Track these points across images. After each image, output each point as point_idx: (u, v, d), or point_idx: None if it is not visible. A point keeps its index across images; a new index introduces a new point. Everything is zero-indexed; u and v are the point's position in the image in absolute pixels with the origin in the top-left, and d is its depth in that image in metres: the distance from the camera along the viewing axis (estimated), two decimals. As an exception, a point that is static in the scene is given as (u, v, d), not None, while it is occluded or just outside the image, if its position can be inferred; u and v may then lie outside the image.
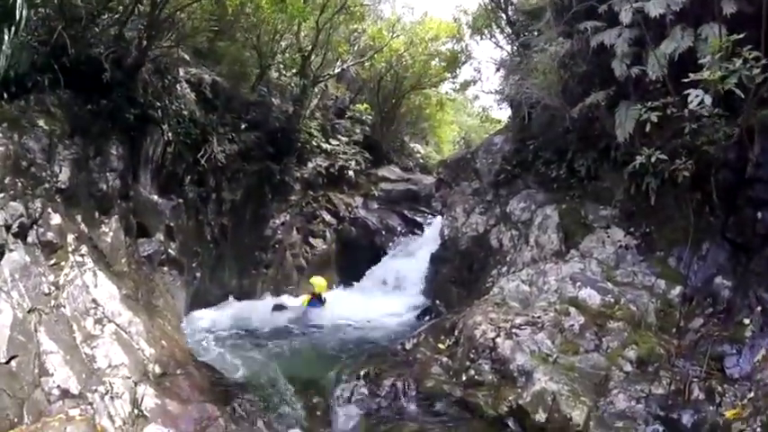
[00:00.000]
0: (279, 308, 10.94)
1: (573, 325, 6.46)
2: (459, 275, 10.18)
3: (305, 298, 10.93)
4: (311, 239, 12.96)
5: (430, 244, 12.07)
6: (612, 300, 6.79)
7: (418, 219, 14.21)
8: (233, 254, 11.70)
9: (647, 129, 6.72)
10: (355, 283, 12.64)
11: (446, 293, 10.27)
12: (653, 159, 6.69)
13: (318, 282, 10.99)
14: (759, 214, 6.46)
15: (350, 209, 13.68)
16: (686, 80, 5.98)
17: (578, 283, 7.07)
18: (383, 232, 13.70)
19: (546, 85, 8.49)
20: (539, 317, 6.57)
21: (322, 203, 13.40)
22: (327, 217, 13.33)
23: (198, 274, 10.38)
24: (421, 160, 18.80)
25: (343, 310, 10.81)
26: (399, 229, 13.92)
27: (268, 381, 6.98)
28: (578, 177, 9.04)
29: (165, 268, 9.21)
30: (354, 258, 13.00)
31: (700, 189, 6.97)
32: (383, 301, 11.50)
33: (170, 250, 9.37)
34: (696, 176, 6.68)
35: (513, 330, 6.42)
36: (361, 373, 6.83)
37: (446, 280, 10.46)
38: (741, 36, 5.65)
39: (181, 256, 9.66)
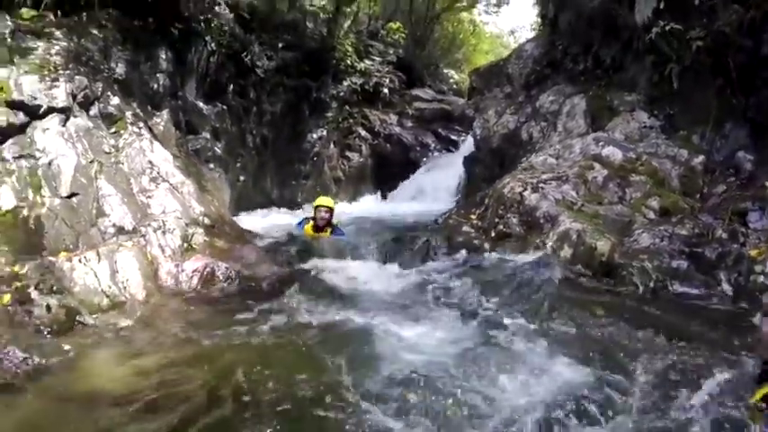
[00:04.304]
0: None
1: (596, 177, 6.75)
2: (491, 173, 10.44)
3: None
4: (348, 153, 13.40)
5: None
6: (635, 156, 7.02)
7: (452, 137, 14.44)
8: (274, 164, 12.27)
9: (661, 6, 6.90)
10: (390, 194, 13.07)
11: (477, 192, 10.57)
12: (668, 28, 6.91)
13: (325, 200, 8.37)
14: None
15: (385, 125, 13.99)
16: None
17: (601, 143, 7.35)
18: (417, 148, 13.99)
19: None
20: (563, 172, 6.90)
21: (358, 119, 13.75)
22: (363, 132, 13.69)
23: (242, 177, 10.98)
24: (455, 86, 18.89)
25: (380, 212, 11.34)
26: (433, 145, 14.20)
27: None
28: (604, 68, 9.24)
29: (212, 165, 9.79)
30: (390, 172, 13.37)
31: (720, 74, 7.12)
32: (417, 207, 11.94)
33: (216, 148, 9.97)
34: (715, 61, 6.86)
35: (540, 185, 6.76)
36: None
37: (478, 179, 10.78)
38: None
39: (226, 155, 10.26)
